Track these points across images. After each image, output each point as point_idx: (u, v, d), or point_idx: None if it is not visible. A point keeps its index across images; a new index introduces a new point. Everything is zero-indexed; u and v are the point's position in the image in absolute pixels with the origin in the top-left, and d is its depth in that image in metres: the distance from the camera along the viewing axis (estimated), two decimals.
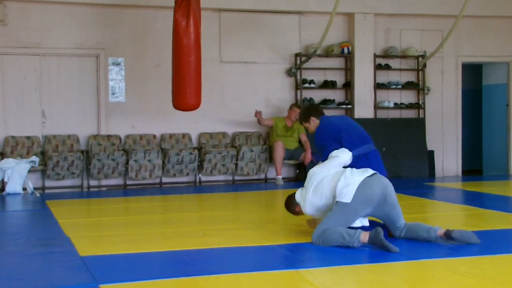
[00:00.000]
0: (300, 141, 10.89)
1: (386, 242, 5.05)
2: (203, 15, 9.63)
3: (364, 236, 5.15)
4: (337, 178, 5.41)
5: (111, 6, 10.53)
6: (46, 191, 10.07)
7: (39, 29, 10.25)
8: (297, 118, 10.84)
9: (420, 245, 5.30)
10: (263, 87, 11.30)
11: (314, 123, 6.39)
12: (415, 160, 11.57)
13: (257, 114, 10.58)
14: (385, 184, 5.38)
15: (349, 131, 6.27)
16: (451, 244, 5.29)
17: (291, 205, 5.82)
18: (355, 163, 5.83)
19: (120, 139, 10.54)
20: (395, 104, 11.79)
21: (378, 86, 11.71)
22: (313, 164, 10.54)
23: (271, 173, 11.02)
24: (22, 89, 10.26)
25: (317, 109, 6.61)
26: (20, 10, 10.16)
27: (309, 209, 5.57)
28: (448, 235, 5.30)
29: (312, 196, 5.52)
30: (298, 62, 11.31)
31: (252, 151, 10.68)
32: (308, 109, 6.70)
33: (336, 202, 5.33)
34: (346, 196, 5.26)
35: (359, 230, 5.22)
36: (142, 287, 4.23)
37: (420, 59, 11.85)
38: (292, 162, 10.98)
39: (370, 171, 5.45)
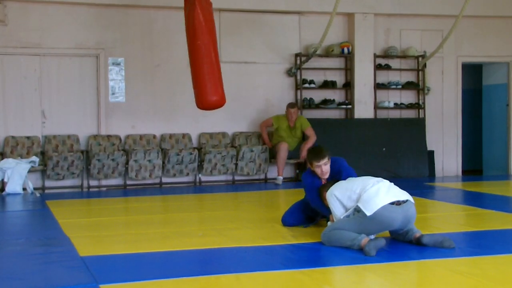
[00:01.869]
0: (302, 137, 10.82)
1: (372, 250, 5.00)
2: None
3: (365, 241, 5.12)
4: (372, 184, 5.30)
5: (111, 6, 10.53)
6: (46, 191, 10.07)
7: (39, 29, 10.25)
8: (295, 117, 10.77)
9: (420, 245, 5.29)
10: (263, 87, 11.30)
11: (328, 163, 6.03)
12: (415, 160, 11.57)
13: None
14: (409, 217, 5.28)
15: None
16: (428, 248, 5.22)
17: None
18: None
19: (120, 139, 10.54)
20: (395, 104, 11.79)
21: (378, 86, 11.71)
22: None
23: (271, 173, 11.02)
24: (22, 89, 10.26)
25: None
26: (20, 10, 10.16)
27: (334, 192, 5.48)
28: (418, 240, 5.26)
29: (347, 185, 5.47)
30: (298, 62, 11.31)
31: (252, 151, 10.67)
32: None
33: (358, 210, 5.25)
34: (369, 209, 5.12)
35: (362, 235, 5.18)
36: (142, 287, 4.23)
37: (420, 59, 11.85)
38: (292, 161, 10.95)
39: (403, 195, 5.29)
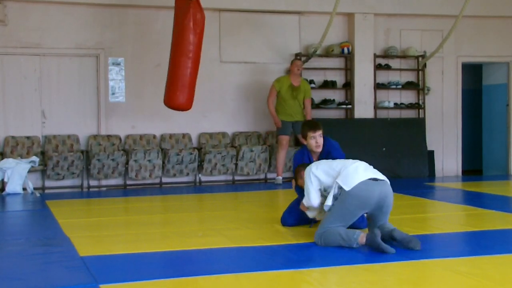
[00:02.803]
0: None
1: (383, 244, 5.03)
2: None
3: (362, 238, 5.16)
4: (351, 163, 5.44)
5: (111, 6, 10.53)
6: (46, 191, 10.07)
7: (39, 29, 10.25)
8: (300, 70, 10.46)
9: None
10: (263, 87, 11.28)
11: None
12: (415, 160, 11.56)
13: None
14: (385, 193, 5.34)
15: None
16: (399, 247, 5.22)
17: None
18: None
19: (120, 139, 10.54)
20: (395, 104, 11.79)
21: (378, 86, 11.71)
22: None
23: (271, 173, 11.02)
24: (22, 89, 10.26)
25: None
26: (20, 10, 10.16)
27: (312, 168, 5.58)
28: (391, 234, 5.27)
29: (325, 165, 5.55)
30: None
31: (252, 151, 10.68)
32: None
33: (336, 198, 5.30)
34: (348, 184, 5.24)
35: (357, 231, 5.22)
36: (142, 287, 4.23)
37: (420, 59, 11.85)
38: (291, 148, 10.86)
39: (380, 175, 5.41)
